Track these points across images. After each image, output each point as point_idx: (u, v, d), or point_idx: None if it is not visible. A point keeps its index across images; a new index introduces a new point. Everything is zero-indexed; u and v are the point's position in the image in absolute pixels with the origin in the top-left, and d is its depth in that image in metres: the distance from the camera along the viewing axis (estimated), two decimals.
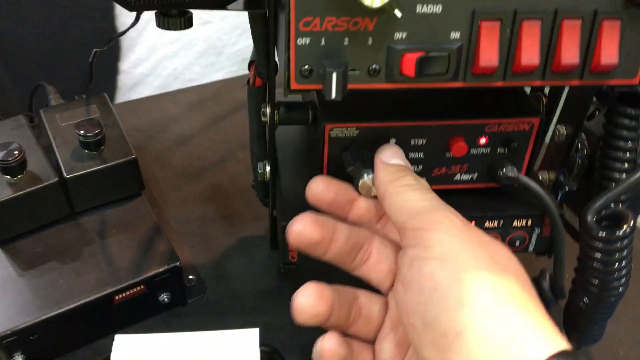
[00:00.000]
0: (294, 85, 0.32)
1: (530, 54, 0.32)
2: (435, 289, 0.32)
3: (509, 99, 0.42)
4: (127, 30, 0.50)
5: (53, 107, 0.60)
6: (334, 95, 0.30)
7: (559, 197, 0.49)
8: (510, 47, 0.32)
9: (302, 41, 0.31)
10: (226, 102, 0.81)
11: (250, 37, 0.39)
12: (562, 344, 0.30)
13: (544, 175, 0.50)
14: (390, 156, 0.38)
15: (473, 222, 0.42)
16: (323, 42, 0.31)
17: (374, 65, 0.32)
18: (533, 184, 0.41)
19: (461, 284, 0.31)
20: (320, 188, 0.39)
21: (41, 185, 0.53)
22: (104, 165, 0.55)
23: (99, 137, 0.55)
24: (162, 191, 0.69)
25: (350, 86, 0.32)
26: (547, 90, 0.45)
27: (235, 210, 0.67)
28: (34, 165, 0.54)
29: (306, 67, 0.32)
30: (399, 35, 0.31)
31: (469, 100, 0.41)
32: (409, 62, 0.31)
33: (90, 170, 0.55)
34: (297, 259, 0.44)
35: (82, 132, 0.54)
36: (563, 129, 0.48)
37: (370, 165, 0.38)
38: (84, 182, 0.55)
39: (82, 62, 0.93)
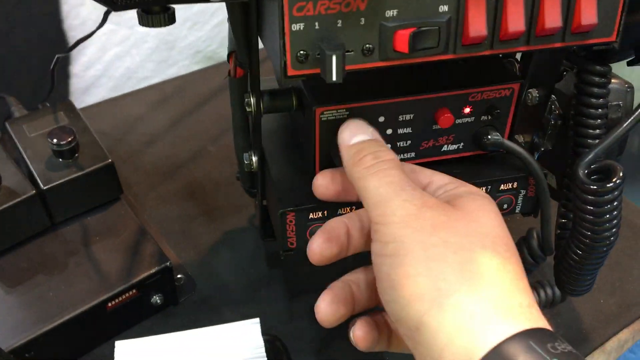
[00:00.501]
0: (290, 72, 0.32)
1: (516, 20, 0.33)
2: (391, 287, 0.33)
3: (488, 68, 0.43)
4: (95, 32, 0.48)
5: (19, 119, 0.58)
6: (334, 77, 0.31)
7: (536, 159, 0.51)
8: (496, 15, 0.33)
9: (296, 27, 0.31)
10: (189, 98, 0.80)
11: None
12: (523, 323, 0.29)
13: (518, 139, 0.51)
14: (350, 135, 0.38)
15: None
16: (317, 26, 0.31)
17: (367, 45, 0.32)
18: (518, 147, 0.43)
19: (410, 280, 0.32)
20: (326, 182, 0.40)
21: (19, 199, 0.51)
22: (81, 173, 0.54)
23: (73, 144, 0.54)
24: (137, 193, 0.68)
25: (346, 67, 0.32)
26: (518, 56, 0.47)
27: (214, 205, 0.67)
28: (8, 179, 0.52)
29: (302, 52, 0.32)
30: (390, 13, 0.32)
31: (451, 73, 0.42)
32: (402, 39, 0.32)
33: (67, 178, 0.53)
34: (296, 245, 0.44)
35: (55, 140, 0.53)
36: (535, 92, 0.49)
37: None
38: (62, 191, 0.53)
39: (31, 69, 0.90)
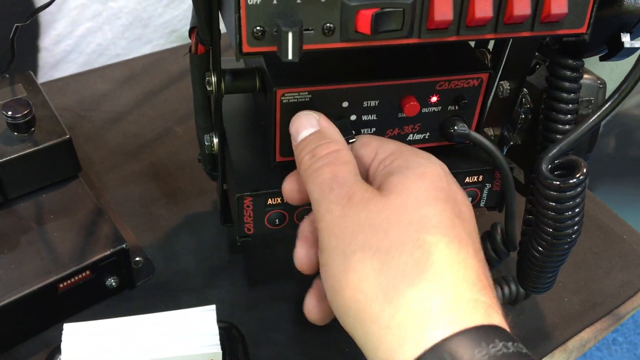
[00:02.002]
0: (246, 48, 0.31)
1: (483, 5, 0.31)
2: (328, 289, 0.33)
3: (457, 56, 0.42)
4: (53, 1, 0.46)
5: None
6: (290, 56, 0.29)
7: (504, 152, 0.50)
8: (463, 0, 0.32)
9: (253, 0, 0.30)
10: (158, 76, 0.78)
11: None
12: (464, 319, 0.28)
13: (488, 132, 0.51)
14: (295, 134, 0.38)
15: None
16: (275, 1, 0.30)
17: (328, 24, 0.31)
18: (484, 140, 0.42)
19: (336, 295, 0.32)
20: (292, 185, 0.39)
21: None
22: (36, 148, 0.52)
23: (29, 117, 0.52)
24: (99, 172, 0.66)
25: (305, 47, 0.31)
26: (490, 46, 0.45)
27: (178, 187, 0.65)
28: None
29: (258, 28, 0.30)
30: None
31: (418, 59, 0.41)
32: (364, 19, 0.30)
33: (21, 153, 0.51)
34: (253, 231, 0.42)
35: (9, 113, 0.51)
36: (506, 84, 0.48)
37: None
38: (15, 167, 0.51)
39: None
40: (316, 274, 0.38)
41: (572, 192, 0.33)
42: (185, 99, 0.75)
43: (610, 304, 0.58)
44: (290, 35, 0.29)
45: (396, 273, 0.30)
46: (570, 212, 0.34)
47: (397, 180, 0.33)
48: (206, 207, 0.63)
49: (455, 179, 0.36)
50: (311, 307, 0.39)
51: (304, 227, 0.38)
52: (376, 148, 0.37)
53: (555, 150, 0.33)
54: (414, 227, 0.31)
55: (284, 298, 0.56)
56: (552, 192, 0.33)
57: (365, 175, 0.37)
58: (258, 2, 0.30)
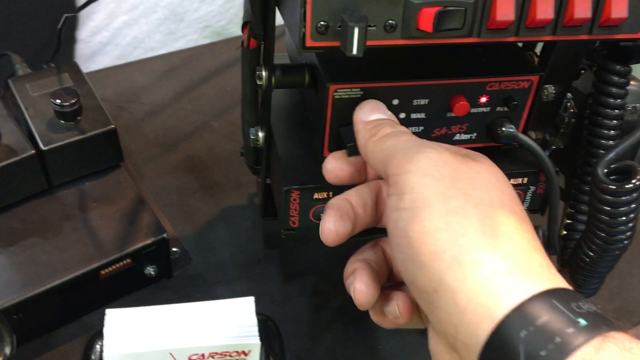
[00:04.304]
0: (309, 43, 0.31)
1: (545, 7, 0.32)
2: (408, 245, 0.31)
3: (507, 58, 0.42)
4: None
5: (22, 77, 0.57)
6: (355, 51, 0.30)
7: None
8: (525, 0, 0.32)
9: None
10: (196, 71, 0.79)
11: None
12: (545, 282, 0.28)
13: (531, 135, 0.51)
14: (368, 113, 0.38)
15: None
16: None
17: (390, 21, 0.31)
18: (531, 142, 0.42)
19: (429, 236, 0.30)
20: (338, 164, 0.39)
21: (17, 157, 0.50)
22: (82, 136, 0.53)
23: (76, 106, 0.53)
24: (137, 163, 0.66)
25: (367, 43, 0.31)
26: (537, 49, 0.46)
27: (214, 181, 0.66)
28: (8, 137, 0.51)
29: (322, 23, 0.31)
30: None
31: (469, 59, 0.41)
32: (426, 17, 0.31)
33: (68, 141, 0.52)
34: (298, 224, 0.43)
35: (58, 101, 0.52)
36: (551, 88, 0.48)
37: None
38: (61, 154, 0.52)
39: (36, 29, 0.89)
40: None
41: (628, 197, 0.33)
42: (222, 94, 0.75)
43: None
44: (356, 30, 0.29)
45: (498, 228, 0.30)
46: (625, 217, 0.34)
47: (483, 158, 0.34)
48: (242, 201, 0.64)
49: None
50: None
51: (339, 201, 0.37)
52: None
53: (612, 154, 0.33)
54: (507, 197, 0.32)
55: (317, 294, 0.57)
56: (607, 197, 0.33)
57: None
58: None
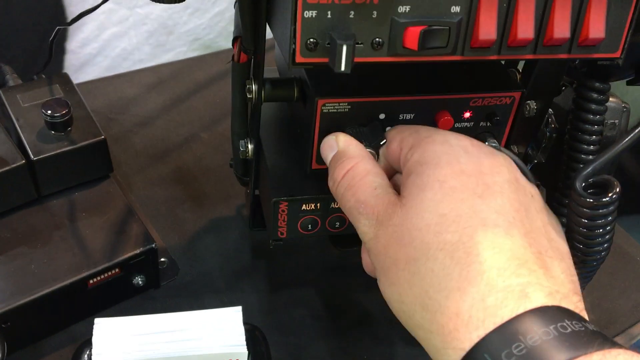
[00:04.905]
0: (299, 59, 0.32)
1: (525, 27, 0.33)
2: (386, 300, 0.34)
3: (490, 75, 0.43)
4: (99, 5, 0.48)
5: (13, 87, 0.57)
6: (343, 67, 0.31)
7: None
8: (506, 21, 0.33)
9: (309, 14, 0.31)
10: (185, 83, 0.80)
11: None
12: (497, 315, 0.28)
13: (513, 149, 0.52)
14: (325, 159, 0.39)
15: None
16: (329, 15, 0.31)
17: (377, 39, 0.32)
18: (514, 156, 0.43)
19: (390, 299, 0.33)
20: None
21: (7, 167, 0.51)
22: (73, 147, 0.53)
23: (67, 117, 0.53)
24: (126, 174, 0.67)
25: (355, 59, 0.32)
26: (520, 66, 0.47)
27: (203, 192, 0.66)
28: None
29: (312, 40, 0.32)
30: (403, 9, 0.32)
31: (454, 76, 0.42)
32: (412, 35, 0.32)
33: (58, 151, 0.53)
34: (286, 235, 0.44)
35: (49, 112, 0.52)
36: (533, 104, 0.49)
37: (368, 138, 0.38)
38: (52, 164, 0.53)
39: (26, 41, 0.89)
40: None
41: (605, 210, 0.34)
42: (211, 106, 0.76)
43: (623, 324, 0.59)
44: (344, 48, 0.30)
45: (425, 281, 0.31)
46: (602, 230, 0.35)
47: (412, 181, 0.34)
48: (230, 212, 0.64)
49: (481, 145, 0.36)
50: None
51: None
52: (400, 142, 0.37)
53: (590, 169, 0.35)
54: (433, 231, 0.31)
55: (304, 304, 0.58)
56: (585, 210, 0.34)
57: (400, 168, 0.37)
58: (313, 15, 0.31)
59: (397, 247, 0.32)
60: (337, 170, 0.37)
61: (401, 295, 0.32)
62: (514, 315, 0.28)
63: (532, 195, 0.34)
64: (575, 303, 0.30)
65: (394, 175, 0.39)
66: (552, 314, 0.28)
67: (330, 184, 0.38)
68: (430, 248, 0.31)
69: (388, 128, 0.41)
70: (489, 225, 0.31)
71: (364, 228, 0.35)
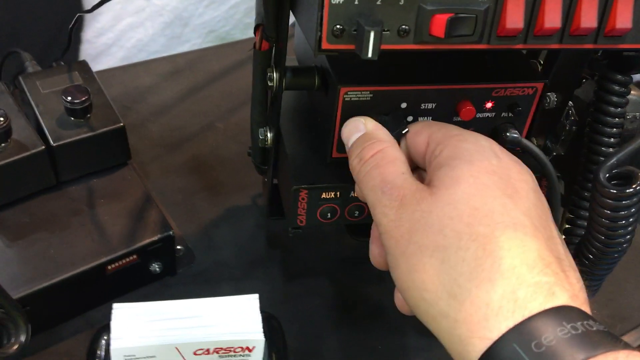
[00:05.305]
0: (325, 45, 0.32)
1: (552, 16, 0.33)
2: (399, 288, 0.34)
3: (512, 65, 0.43)
4: None
5: (33, 74, 0.58)
6: (370, 54, 0.31)
7: None
8: (533, 9, 0.33)
9: (336, 0, 0.31)
10: (201, 73, 0.80)
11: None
12: (526, 308, 0.29)
13: (532, 141, 0.52)
14: (346, 140, 0.39)
15: None
16: (357, 1, 0.31)
17: (404, 26, 0.32)
18: (534, 148, 0.43)
19: (410, 286, 0.33)
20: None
21: (28, 153, 0.51)
22: (92, 133, 0.54)
23: (87, 104, 0.53)
24: (142, 162, 0.67)
25: (381, 46, 0.32)
26: (541, 57, 0.47)
27: (219, 181, 0.67)
28: (18, 133, 0.52)
29: (338, 26, 0.32)
30: None
31: (476, 66, 0.42)
32: (438, 23, 0.32)
33: (77, 138, 0.53)
34: (305, 223, 0.44)
35: (69, 98, 0.53)
36: (553, 96, 0.49)
37: (390, 127, 0.38)
38: (71, 150, 0.53)
39: (44, 28, 0.89)
40: None
41: (629, 201, 0.34)
42: (227, 96, 0.76)
43: (638, 318, 0.59)
44: (372, 34, 0.30)
45: (455, 269, 0.31)
46: (625, 221, 0.35)
47: (445, 173, 0.34)
48: (246, 201, 0.65)
49: (508, 153, 0.36)
50: (400, 304, 0.38)
51: (374, 228, 0.39)
52: (427, 137, 0.37)
53: (614, 160, 0.34)
54: (465, 221, 0.32)
55: (318, 293, 0.58)
56: (608, 201, 0.34)
57: (423, 163, 0.37)
58: (340, 2, 0.31)
59: (424, 234, 0.32)
60: (365, 150, 0.37)
61: (425, 283, 0.32)
62: (542, 309, 0.29)
63: (548, 208, 0.35)
64: (589, 311, 0.31)
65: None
66: (578, 312, 0.29)
67: (354, 162, 0.37)
68: (462, 238, 0.31)
69: (409, 117, 0.41)
70: (518, 225, 0.32)
71: (385, 209, 0.34)
